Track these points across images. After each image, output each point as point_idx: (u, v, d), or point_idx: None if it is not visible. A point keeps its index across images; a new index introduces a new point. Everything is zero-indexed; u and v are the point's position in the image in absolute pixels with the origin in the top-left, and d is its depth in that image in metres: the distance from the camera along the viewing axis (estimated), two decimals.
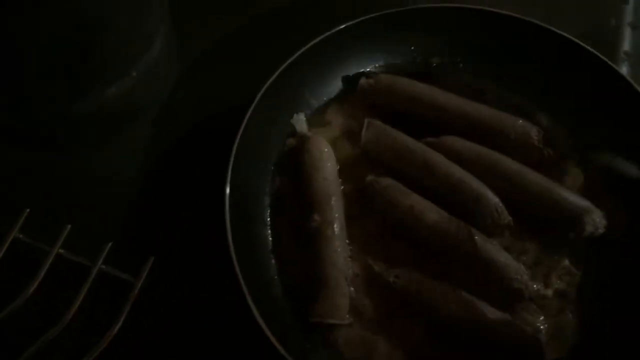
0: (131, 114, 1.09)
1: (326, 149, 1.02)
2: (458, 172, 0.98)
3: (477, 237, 0.92)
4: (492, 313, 0.88)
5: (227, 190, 0.91)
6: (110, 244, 0.95)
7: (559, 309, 0.92)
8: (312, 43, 1.04)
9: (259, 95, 0.98)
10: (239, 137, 0.95)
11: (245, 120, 0.96)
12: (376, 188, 0.99)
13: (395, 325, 0.92)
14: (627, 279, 0.93)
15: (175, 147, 1.08)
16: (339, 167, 1.03)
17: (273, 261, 0.97)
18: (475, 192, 0.96)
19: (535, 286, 0.93)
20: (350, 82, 1.11)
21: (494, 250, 0.93)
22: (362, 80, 1.09)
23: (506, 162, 1.00)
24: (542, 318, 0.91)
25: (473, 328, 0.88)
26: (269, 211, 1.00)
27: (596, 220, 0.95)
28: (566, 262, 0.96)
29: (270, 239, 0.98)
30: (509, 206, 0.96)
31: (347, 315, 0.91)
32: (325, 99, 1.10)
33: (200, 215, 0.99)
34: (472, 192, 0.96)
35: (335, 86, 1.11)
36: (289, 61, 1.02)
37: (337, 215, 0.96)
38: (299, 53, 1.03)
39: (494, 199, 0.96)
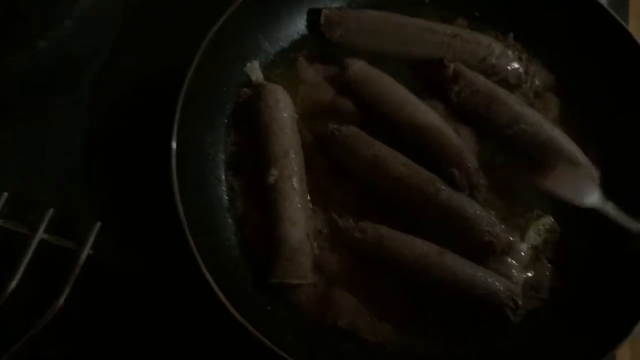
0: (67, 71, 0.98)
1: (283, 98, 0.94)
2: (441, 124, 0.92)
3: (445, 188, 0.86)
4: (463, 265, 0.83)
5: (174, 145, 0.83)
6: (51, 211, 0.87)
7: (533, 261, 0.89)
8: None
9: (205, 42, 0.89)
10: (184, 87, 0.86)
11: (191, 70, 0.87)
12: (337, 137, 0.92)
13: (362, 281, 0.87)
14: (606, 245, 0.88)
15: (119, 104, 0.99)
16: (297, 116, 0.95)
17: (230, 221, 0.90)
18: (455, 149, 0.90)
19: (510, 238, 0.89)
20: (312, 20, 1.02)
21: (464, 201, 0.87)
22: (325, 11, 1.01)
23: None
24: (515, 271, 0.86)
25: (443, 281, 0.83)
26: (224, 168, 0.93)
27: (592, 173, 0.90)
28: (548, 218, 0.91)
29: (225, 197, 0.92)
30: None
31: (310, 274, 0.86)
32: (282, 44, 1.01)
33: (149, 177, 0.90)
34: (450, 148, 0.90)
35: (293, 30, 1.02)
36: (233, 6, 0.91)
37: (296, 168, 0.90)
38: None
39: (469, 157, 0.90)
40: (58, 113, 0.97)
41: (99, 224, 0.87)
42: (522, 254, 0.88)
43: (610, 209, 0.72)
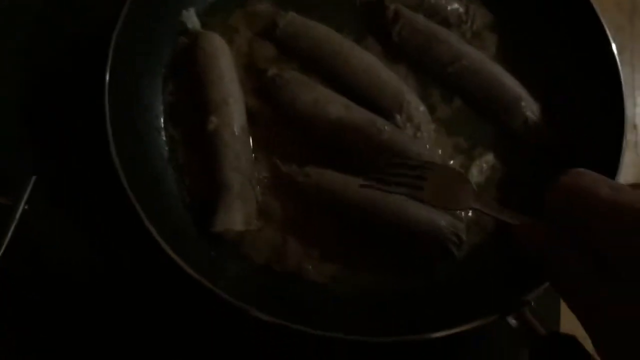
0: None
1: (220, 46, 0.92)
2: (377, 65, 0.92)
3: (387, 128, 0.86)
4: (406, 204, 0.83)
5: (106, 95, 0.81)
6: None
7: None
8: None
9: None
10: (116, 32, 0.83)
11: (122, 15, 0.84)
12: (278, 82, 0.90)
13: (308, 225, 0.86)
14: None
15: (52, 54, 0.95)
16: (240, 65, 0.93)
17: (171, 171, 0.88)
18: (393, 89, 0.90)
19: None
20: None
21: (407, 141, 0.87)
22: None
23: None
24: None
25: (387, 219, 0.83)
26: (162, 118, 0.91)
27: (532, 107, 0.91)
28: (490, 156, 0.91)
29: (166, 147, 0.89)
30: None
31: (254, 220, 0.85)
32: None
33: (83, 127, 0.88)
34: (391, 89, 0.90)
35: None
36: None
37: (236, 115, 0.88)
38: None
39: (409, 95, 0.90)
40: None
41: (33, 178, 0.84)
42: None
43: (485, 207, 0.72)
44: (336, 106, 0.87)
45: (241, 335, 0.84)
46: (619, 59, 0.88)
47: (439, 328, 0.73)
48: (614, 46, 0.88)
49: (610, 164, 0.82)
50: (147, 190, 0.81)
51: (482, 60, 0.92)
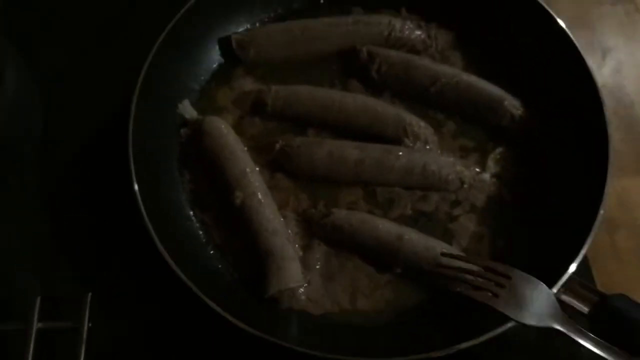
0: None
1: (223, 126, 0.99)
2: (370, 101, 1.00)
3: (402, 151, 0.94)
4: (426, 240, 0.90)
5: (140, 202, 0.86)
6: (39, 298, 0.87)
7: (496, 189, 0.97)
8: (165, 32, 0.98)
9: (134, 99, 0.93)
10: (130, 146, 0.90)
11: (130, 128, 0.91)
12: (289, 151, 0.97)
13: (347, 265, 0.92)
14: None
15: (66, 177, 1.01)
16: (246, 147, 0.99)
17: (212, 252, 0.93)
18: (393, 115, 0.98)
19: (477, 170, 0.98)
20: (224, 49, 1.07)
21: (423, 156, 0.96)
22: (234, 35, 1.06)
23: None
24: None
25: (412, 261, 0.89)
26: (189, 206, 0.96)
27: (514, 103, 0.99)
28: (502, 148, 0.99)
29: (200, 232, 0.95)
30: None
31: (302, 276, 0.90)
32: (203, 77, 1.06)
33: (122, 236, 0.94)
34: (390, 118, 0.98)
35: (210, 63, 1.07)
36: (150, 56, 0.96)
37: (257, 184, 0.94)
38: (157, 45, 0.97)
39: (408, 116, 0.98)
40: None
41: (89, 295, 0.88)
42: (487, 182, 0.97)
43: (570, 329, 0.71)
44: (350, 151, 0.94)
45: None
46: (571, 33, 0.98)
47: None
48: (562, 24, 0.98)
49: (599, 140, 0.91)
50: (198, 276, 0.84)
51: (457, 74, 1.01)
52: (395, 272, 0.90)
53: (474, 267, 0.83)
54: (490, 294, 0.77)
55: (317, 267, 0.92)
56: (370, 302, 0.90)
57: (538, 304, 0.73)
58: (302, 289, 0.90)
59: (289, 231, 0.93)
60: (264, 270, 0.89)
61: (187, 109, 1.02)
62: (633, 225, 0.99)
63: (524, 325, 0.75)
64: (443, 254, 0.86)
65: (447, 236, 0.94)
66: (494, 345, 0.79)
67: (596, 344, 0.71)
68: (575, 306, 0.79)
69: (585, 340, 0.71)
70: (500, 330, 0.78)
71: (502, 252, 0.92)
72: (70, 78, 1.08)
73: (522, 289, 0.75)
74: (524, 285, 0.75)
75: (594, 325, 0.75)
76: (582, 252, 0.81)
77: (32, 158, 1.03)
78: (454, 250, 0.90)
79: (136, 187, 0.87)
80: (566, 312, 0.75)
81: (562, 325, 0.72)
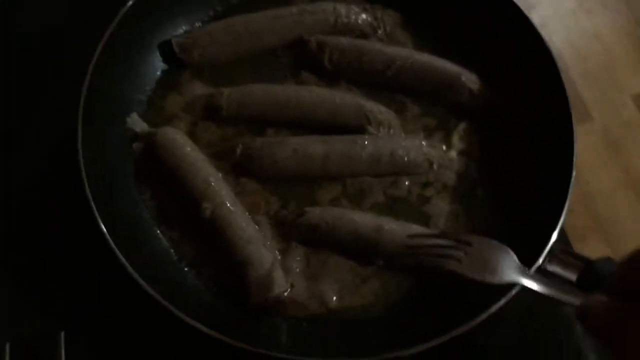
0: None
1: (178, 136, 0.94)
2: (327, 93, 0.97)
3: (367, 140, 0.93)
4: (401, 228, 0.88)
5: (104, 228, 0.81)
6: (8, 345, 0.81)
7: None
8: (101, 45, 0.92)
9: (79, 124, 0.87)
10: (83, 173, 0.84)
11: (80, 155, 0.85)
12: (251, 154, 0.93)
13: (329, 263, 0.89)
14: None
15: (17, 221, 0.95)
16: (205, 155, 0.94)
17: (186, 269, 0.89)
18: (352, 104, 0.96)
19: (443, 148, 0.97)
20: (166, 53, 1.02)
21: (388, 141, 0.94)
22: (174, 39, 1.01)
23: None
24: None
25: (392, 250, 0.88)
26: (155, 224, 0.91)
27: (470, 77, 0.98)
28: (464, 124, 0.99)
29: (171, 250, 0.90)
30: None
31: (284, 280, 0.87)
32: (148, 87, 1.00)
33: (91, 267, 0.89)
34: (350, 108, 0.95)
35: (153, 70, 1.01)
36: (88, 75, 0.90)
37: (224, 192, 0.90)
38: (93, 62, 0.91)
39: (368, 104, 0.96)
40: None
41: (62, 334, 0.82)
42: (454, 159, 0.96)
43: (530, 282, 0.72)
44: (315, 145, 0.91)
45: None
46: None
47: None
48: None
49: (559, 102, 0.91)
50: (175, 296, 0.80)
51: (411, 55, 1.00)
52: (378, 264, 0.88)
53: (440, 242, 0.83)
54: (456, 261, 0.79)
55: (298, 269, 0.89)
56: (357, 298, 0.88)
57: (500, 264, 0.75)
58: (286, 294, 0.87)
59: (265, 236, 0.90)
60: (244, 280, 0.85)
61: (137, 123, 0.96)
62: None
63: (490, 285, 0.76)
64: (409, 236, 0.86)
65: (423, 219, 0.92)
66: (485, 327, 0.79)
67: (559, 291, 0.71)
68: (562, 275, 0.79)
69: (549, 289, 0.71)
70: (491, 310, 0.77)
71: (481, 228, 0.91)
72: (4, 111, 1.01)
73: (483, 252, 0.77)
74: (485, 249, 0.78)
75: (584, 291, 0.75)
76: (562, 217, 0.82)
77: None
78: (425, 231, 0.89)
79: (97, 214, 0.82)
80: (554, 282, 0.75)
81: (524, 278, 0.73)
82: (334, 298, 0.88)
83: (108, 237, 0.80)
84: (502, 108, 0.98)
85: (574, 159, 0.86)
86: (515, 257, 0.76)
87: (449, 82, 0.98)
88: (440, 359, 0.82)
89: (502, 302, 0.77)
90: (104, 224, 0.81)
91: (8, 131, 1.01)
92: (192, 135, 0.97)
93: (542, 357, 0.90)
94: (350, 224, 0.88)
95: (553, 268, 0.80)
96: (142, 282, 0.78)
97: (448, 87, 0.98)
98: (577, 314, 0.61)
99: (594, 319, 0.58)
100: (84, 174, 0.84)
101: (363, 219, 0.89)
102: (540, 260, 0.79)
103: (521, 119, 0.97)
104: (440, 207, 0.93)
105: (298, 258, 0.90)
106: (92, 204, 0.82)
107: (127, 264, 0.79)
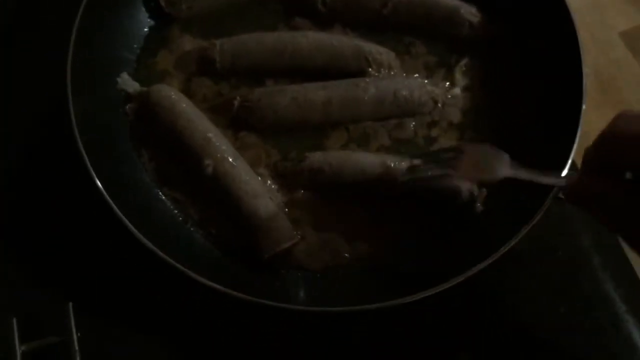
0: None
1: (172, 93, 0.90)
2: (324, 37, 0.93)
3: (369, 81, 0.89)
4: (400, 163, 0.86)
5: (106, 195, 0.78)
6: (14, 320, 0.79)
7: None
8: (83, 5, 0.87)
9: (68, 89, 0.83)
10: (79, 141, 0.81)
11: (73, 121, 0.81)
12: (250, 106, 0.89)
13: (336, 211, 0.87)
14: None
15: (14, 192, 0.92)
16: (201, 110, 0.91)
17: (192, 229, 0.87)
18: (350, 47, 0.92)
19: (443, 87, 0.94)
20: (152, 9, 0.97)
21: (391, 82, 0.91)
22: None
23: None
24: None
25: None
26: (156, 186, 0.88)
27: (470, 10, 0.94)
28: (466, 60, 0.95)
29: (175, 211, 0.87)
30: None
31: (294, 232, 0.85)
32: (136, 45, 0.96)
33: (94, 234, 0.87)
34: (348, 50, 0.91)
35: (140, 27, 0.97)
36: (73, 37, 0.85)
37: (224, 147, 0.87)
38: (77, 23, 0.86)
39: (366, 46, 0.92)
40: None
41: (70, 304, 0.80)
42: (459, 96, 0.93)
43: (523, 173, 0.72)
44: (315, 92, 0.88)
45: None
46: None
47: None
48: None
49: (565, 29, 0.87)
50: (186, 258, 0.78)
51: None
52: (387, 208, 0.86)
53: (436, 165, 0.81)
54: (452, 171, 0.78)
55: (307, 220, 0.87)
56: (369, 245, 0.86)
57: (493, 162, 0.74)
58: (296, 245, 0.85)
59: (269, 189, 0.87)
60: (253, 235, 0.83)
61: (128, 83, 0.92)
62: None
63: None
64: (408, 168, 0.84)
65: None
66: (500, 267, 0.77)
67: (550, 178, 0.70)
68: None
69: (542, 178, 0.70)
70: (506, 248, 0.76)
71: None
72: None
73: (476, 155, 0.77)
74: (477, 152, 0.78)
75: None
76: (574, 148, 0.79)
77: None
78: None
79: (97, 181, 0.79)
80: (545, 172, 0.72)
81: (513, 171, 0.73)
82: (346, 247, 0.86)
83: (112, 203, 0.78)
84: (502, 38, 0.94)
85: (584, 82, 0.83)
86: (506, 155, 0.75)
87: (449, 16, 0.94)
88: (457, 303, 0.82)
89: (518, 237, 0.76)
90: (105, 190, 0.78)
91: None
92: (186, 91, 0.93)
93: (559, 293, 0.89)
94: (356, 164, 0.86)
95: None
96: (151, 246, 0.76)
97: (447, 22, 0.94)
98: (565, 194, 0.68)
99: (580, 196, 0.65)
100: (79, 142, 0.80)
101: (368, 158, 0.86)
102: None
103: (523, 48, 0.93)
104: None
105: (305, 209, 0.87)
106: (92, 171, 0.79)
107: (133, 229, 0.77)
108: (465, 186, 0.85)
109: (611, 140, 0.61)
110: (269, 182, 0.88)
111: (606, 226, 0.65)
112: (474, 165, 0.76)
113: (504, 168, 0.73)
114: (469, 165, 0.76)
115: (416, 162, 0.83)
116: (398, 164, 0.85)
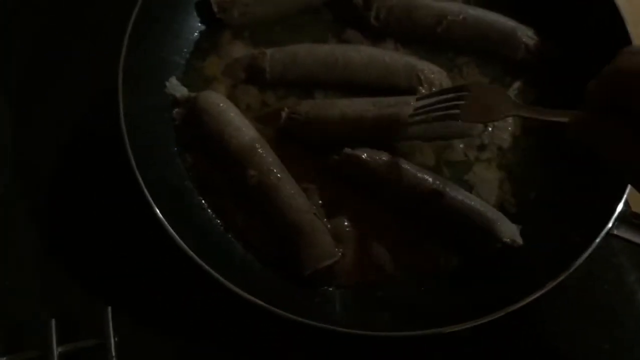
0: None
1: (220, 100, 0.89)
2: (376, 52, 0.91)
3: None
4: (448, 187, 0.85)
5: (150, 199, 0.78)
6: (53, 321, 0.79)
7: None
8: (137, 8, 0.86)
9: (119, 91, 0.82)
10: (127, 143, 0.80)
11: (122, 124, 0.81)
12: (299, 118, 0.88)
13: (380, 231, 0.86)
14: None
15: (58, 194, 0.92)
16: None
17: (233, 239, 0.86)
18: (402, 64, 0.90)
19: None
20: (204, 14, 0.96)
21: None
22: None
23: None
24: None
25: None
26: (197, 194, 0.88)
27: (527, 33, 0.92)
28: (519, 82, 0.93)
29: (217, 220, 0.87)
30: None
31: (335, 249, 0.84)
32: (186, 50, 0.95)
33: (136, 240, 0.87)
34: (401, 67, 0.90)
35: (190, 32, 0.96)
36: (125, 39, 0.84)
37: (270, 159, 0.86)
38: (130, 25, 0.85)
39: (419, 63, 0.91)
40: None
41: (109, 308, 0.80)
42: (509, 121, 0.92)
43: (526, 111, 0.74)
44: (365, 108, 0.86)
45: None
46: None
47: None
48: None
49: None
50: (231, 270, 0.78)
51: (463, 9, 0.94)
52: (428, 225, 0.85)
53: (442, 97, 0.81)
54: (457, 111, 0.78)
55: (348, 236, 0.86)
56: (410, 265, 0.85)
57: (497, 102, 0.76)
58: (337, 263, 0.84)
59: (313, 204, 0.86)
60: (296, 250, 0.82)
61: (176, 87, 0.92)
62: None
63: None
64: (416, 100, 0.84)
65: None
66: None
67: (551, 114, 0.70)
68: (631, 240, 0.76)
69: (543, 115, 0.71)
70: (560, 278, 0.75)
71: (544, 193, 0.88)
72: (40, 78, 0.98)
73: (481, 95, 0.78)
74: (482, 92, 0.78)
75: None
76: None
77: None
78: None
79: (142, 184, 0.78)
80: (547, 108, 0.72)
81: (517, 111, 0.74)
82: (388, 263, 0.85)
83: (154, 206, 0.77)
84: (559, 62, 0.92)
85: None
86: (509, 95, 0.76)
87: (504, 37, 0.92)
88: (495, 336, 0.80)
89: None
90: (149, 194, 0.78)
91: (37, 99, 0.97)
92: (230, 98, 0.92)
93: (603, 328, 0.87)
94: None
95: (622, 233, 0.76)
96: (191, 253, 0.76)
97: (503, 43, 0.92)
98: (568, 130, 0.66)
99: (581, 131, 0.64)
100: (127, 144, 0.80)
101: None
102: (610, 224, 0.76)
103: (579, 74, 0.90)
104: (489, 174, 0.90)
105: (347, 224, 0.86)
106: (137, 174, 0.79)
107: (174, 234, 0.77)
108: (507, 233, 0.83)
109: (615, 76, 0.60)
110: (314, 196, 0.87)
111: (607, 164, 0.64)
112: (480, 105, 0.77)
113: (509, 107, 0.74)
114: (475, 106, 0.77)
115: (421, 103, 0.82)
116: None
